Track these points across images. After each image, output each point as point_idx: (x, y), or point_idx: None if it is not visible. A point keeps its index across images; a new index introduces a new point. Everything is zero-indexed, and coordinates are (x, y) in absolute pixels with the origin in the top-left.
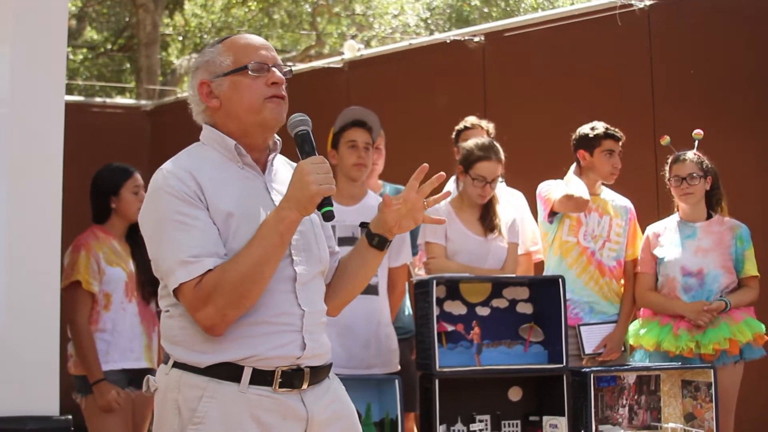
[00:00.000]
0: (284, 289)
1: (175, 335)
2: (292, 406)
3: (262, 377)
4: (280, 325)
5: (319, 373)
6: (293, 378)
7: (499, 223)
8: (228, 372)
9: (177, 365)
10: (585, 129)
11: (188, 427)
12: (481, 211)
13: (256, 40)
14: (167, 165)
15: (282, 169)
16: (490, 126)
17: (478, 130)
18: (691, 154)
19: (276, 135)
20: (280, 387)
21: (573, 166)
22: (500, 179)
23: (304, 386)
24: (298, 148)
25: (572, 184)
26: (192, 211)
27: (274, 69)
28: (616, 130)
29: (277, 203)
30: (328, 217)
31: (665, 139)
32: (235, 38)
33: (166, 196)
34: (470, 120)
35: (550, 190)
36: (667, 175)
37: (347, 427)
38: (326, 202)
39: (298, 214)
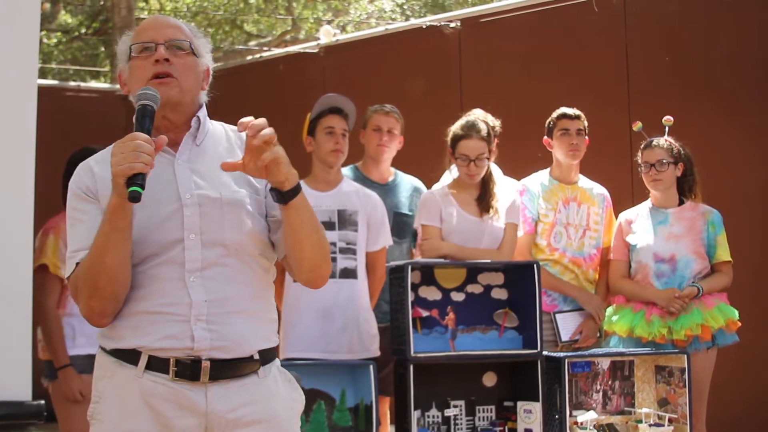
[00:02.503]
0: (174, 277)
1: None
2: (190, 398)
3: (159, 364)
4: (168, 315)
5: (230, 368)
6: (189, 369)
7: (495, 203)
8: (129, 356)
9: (99, 346)
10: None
11: (90, 405)
12: (479, 191)
13: (150, 21)
14: (81, 163)
15: (218, 143)
16: (497, 123)
17: None
18: (661, 141)
19: (204, 108)
20: (176, 377)
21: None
22: (497, 168)
23: (204, 379)
24: (134, 122)
25: None
26: (82, 205)
27: (161, 47)
28: (573, 109)
29: (181, 184)
30: (133, 198)
31: (637, 125)
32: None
33: (69, 194)
34: (475, 114)
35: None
36: (639, 161)
37: (264, 431)
38: (132, 182)
39: (117, 198)
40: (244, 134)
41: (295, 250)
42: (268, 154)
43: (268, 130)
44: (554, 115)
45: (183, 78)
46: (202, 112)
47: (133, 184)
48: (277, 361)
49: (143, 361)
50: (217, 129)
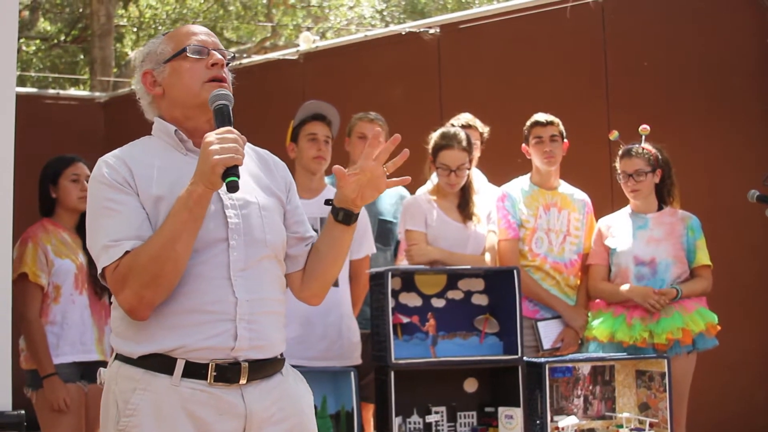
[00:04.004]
0: (219, 276)
1: (116, 326)
2: (229, 401)
3: (196, 370)
4: (212, 313)
5: (263, 368)
6: (229, 372)
7: (476, 211)
8: (161, 364)
9: (117, 356)
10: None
11: (121, 419)
12: (459, 199)
13: (197, 27)
14: (106, 155)
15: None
16: (485, 129)
17: (472, 131)
18: (639, 149)
19: None
20: (215, 381)
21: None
22: (482, 175)
23: (242, 381)
24: (215, 122)
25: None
26: (119, 196)
27: (214, 52)
28: (547, 116)
29: None
30: (232, 187)
31: (613, 134)
32: (177, 28)
33: (97, 185)
34: (465, 118)
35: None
36: (617, 169)
37: (293, 427)
38: (230, 172)
39: (204, 187)
40: (257, 149)
41: (330, 267)
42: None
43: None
44: (528, 122)
45: (228, 85)
46: None
47: (231, 174)
48: (287, 361)
49: (179, 367)
50: None
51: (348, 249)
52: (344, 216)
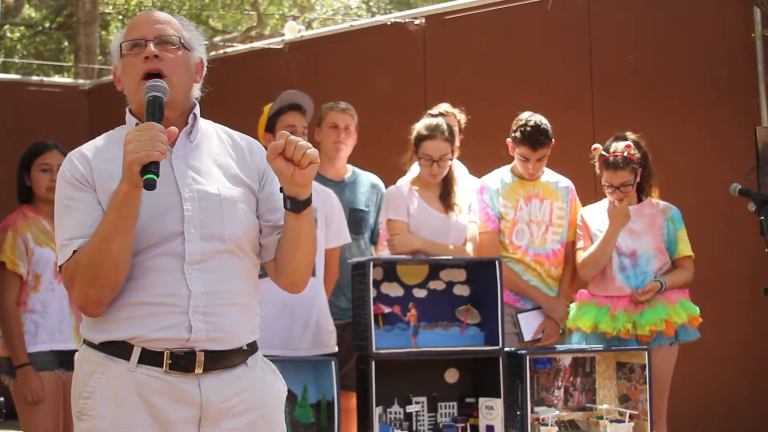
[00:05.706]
0: (173, 269)
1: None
2: (184, 389)
3: (152, 357)
4: (166, 305)
5: (222, 359)
6: (183, 361)
7: (458, 201)
8: (120, 350)
9: (84, 341)
10: (517, 121)
11: (79, 401)
12: (441, 189)
13: (142, 17)
14: (72, 151)
15: (210, 141)
16: (462, 116)
17: (450, 118)
18: (623, 161)
19: (198, 106)
20: (170, 369)
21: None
22: (462, 166)
23: (198, 371)
24: (145, 114)
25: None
26: (77, 194)
27: (149, 43)
28: (545, 131)
29: (179, 178)
30: (148, 185)
31: (598, 150)
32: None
33: (60, 182)
34: (443, 107)
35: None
36: (597, 171)
37: (256, 419)
38: (147, 169)
39: (127, 185)
40: (235, 134)
41: (292, 256)
42: (311, 168)
43: (313, 151)
44: (517, 133)
45: (173, 74)
46: (197, 110)
47: (149, 171)
48: (260, 352)
49: (136, 354)
50: (207, 127)
51: (308, 237)
52: (291, 204)
